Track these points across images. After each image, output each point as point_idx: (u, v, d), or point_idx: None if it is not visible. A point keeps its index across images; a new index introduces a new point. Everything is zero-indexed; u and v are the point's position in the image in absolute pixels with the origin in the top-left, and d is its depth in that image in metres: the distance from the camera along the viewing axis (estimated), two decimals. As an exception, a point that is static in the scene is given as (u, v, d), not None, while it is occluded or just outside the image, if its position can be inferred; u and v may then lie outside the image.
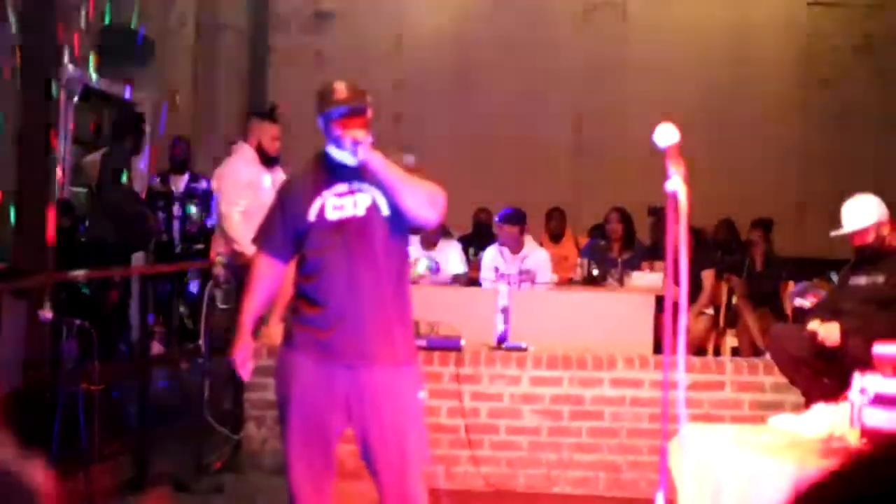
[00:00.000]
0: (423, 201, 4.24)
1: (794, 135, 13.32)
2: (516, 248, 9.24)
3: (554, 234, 10.96)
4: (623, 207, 10.00)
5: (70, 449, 5.77)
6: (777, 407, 7.03)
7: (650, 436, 7.06)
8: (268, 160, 7.99)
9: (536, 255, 9.33)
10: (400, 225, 4.35)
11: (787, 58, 13.63)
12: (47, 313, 5.60)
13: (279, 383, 4.51)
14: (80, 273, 8.21)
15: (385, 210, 4.30)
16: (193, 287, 10.32)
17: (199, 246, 10.58)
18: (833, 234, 6.40)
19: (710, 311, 9.71)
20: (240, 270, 7.48)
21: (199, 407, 7.03)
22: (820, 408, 5.46)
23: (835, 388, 5.92)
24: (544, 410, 7.14)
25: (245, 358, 4.55)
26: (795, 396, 6.82)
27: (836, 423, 4.89)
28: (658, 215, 10.79)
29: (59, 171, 9.27)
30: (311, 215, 4.34)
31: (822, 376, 6.20)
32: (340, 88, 4.35)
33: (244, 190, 7.92)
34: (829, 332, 6.01)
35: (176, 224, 10.43)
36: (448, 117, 12.85)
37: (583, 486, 7.12)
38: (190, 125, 12.48)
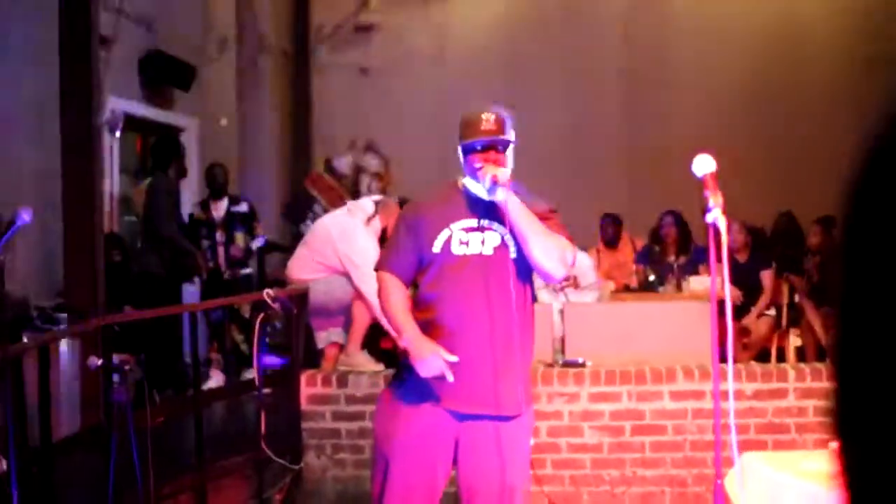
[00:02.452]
0: (554, 256, 4.05)
1: (849, 120, 13.04)
2: None
3: (609, 240, 10.76)
4: (676, 210, 9.85)
5: (128, 491, 5.71)
6: (844, 413, 6.87)
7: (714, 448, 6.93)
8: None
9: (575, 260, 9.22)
10: (527, 268, 4.16)
11: (838, 41, 13.36)
12: (96, 360, 5.53)
13: (382, 424, 4.28)
14: (133, 314, 8.19)
15: (513, 252, 4.11)
16: (246, 312, 10.29)
17: (247, 270, 10.53)
18: None
19: (772, 311, 9.55)
20: (287, 303, 7.43)
21: (257, 438, 6.95)
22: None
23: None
24: (605, 426, 7.03)
25: (438, 357, 4.07)
26: (862, 401, 6.64)
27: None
28: (713, 215, 10.62)
29: (107, 204, 9.23)
30: (437, 247, 4.16)
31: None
32: (486, 119, 4.15)
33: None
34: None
35: (220, 250, 10.37)
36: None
37: (648, 501, 7.02)
38: (236, 148, 12.46)
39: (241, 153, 12.40)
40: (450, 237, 4.14)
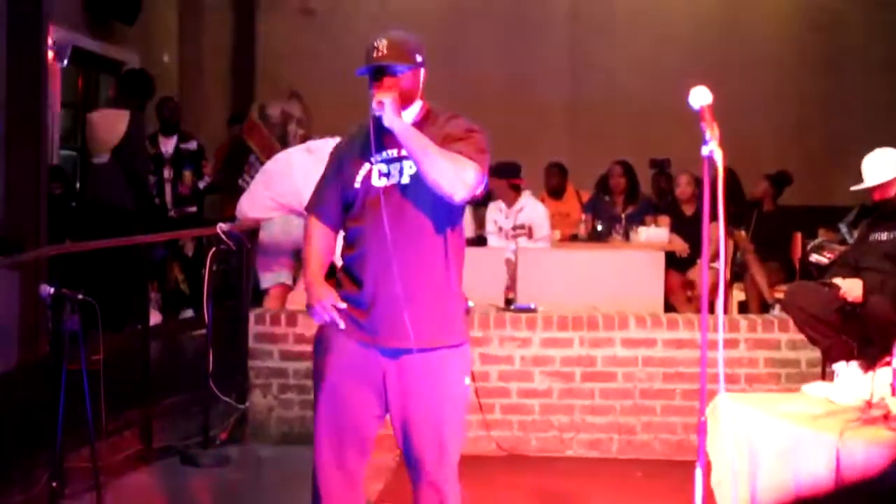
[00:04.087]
0: (447, 175, 3.84)
1: (790, 82, 13.13)
2: (509, 201, 9.17)
3: (554, 189, 10.66)
4: (625, 160, 9.85)
5: (74, 426, 5.59)
6: (792, 364, 6.95)
7: (664, 396, 6.98)
8: None
9: (532, 209, 9.23)
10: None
11: (780, 4, 13.44)
12: (48, 289, 5.33)
13: (316, 360, 4.17)
14: (78, 245, 8.03)
15: None
16: (188, 250, 10.16)
17: (192, 209, 10.39)
18: (854, 188, 6.22)
19: (717, 264, 9.61)
20: (240, 238, 7.33)
21: (204, 377, 6.85)
22: (852, 374, 5.35)
23: (853, 346, 5.81)
24: (555, 372, 7.03)
25: (327, 305, 3.99)
26: (810, 353, 6.74)
27: (874, 391, 4.76)
28: (660, 167, 10.66)
29: (49, 137, 9.05)
30: (358, 181, 4.03)
31: (841, 333, 6.05)
32: (377, 46, 3.95)
33: None
34: (851, 287, 5.84)
35: (167, 187, 10.22)
36: (439, 72, 12.52)
37: (596, 448, 7.03)
38: (176, 83, 12.26)
39: (181, 92, 12.20)
40: (370, 171, 4.03)
